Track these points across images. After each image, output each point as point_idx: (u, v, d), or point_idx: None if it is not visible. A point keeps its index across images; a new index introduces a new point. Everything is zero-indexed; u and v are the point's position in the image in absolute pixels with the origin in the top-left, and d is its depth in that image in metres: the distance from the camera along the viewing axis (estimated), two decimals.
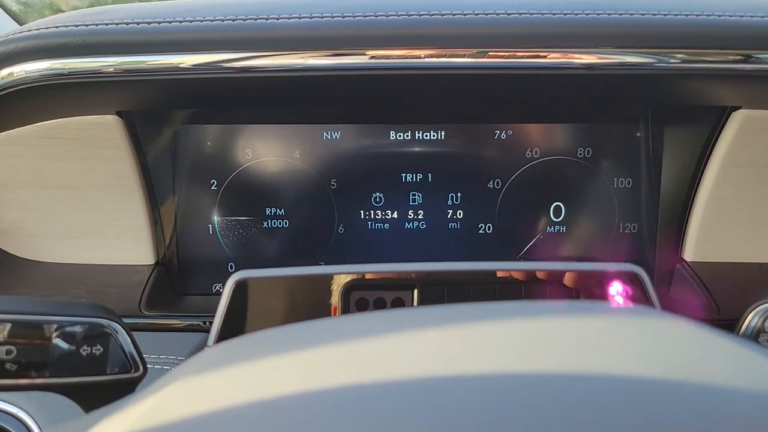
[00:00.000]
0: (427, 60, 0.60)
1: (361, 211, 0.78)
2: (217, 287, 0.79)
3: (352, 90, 0.71)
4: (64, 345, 0.43)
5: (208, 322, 0.70)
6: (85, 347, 0.44)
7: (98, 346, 0.44)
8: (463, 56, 0.61)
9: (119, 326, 0.45)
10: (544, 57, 0.61)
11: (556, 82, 0.68)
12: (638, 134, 0.77)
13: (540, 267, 0.52)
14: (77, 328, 0.44)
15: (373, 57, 0.60)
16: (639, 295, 0.45)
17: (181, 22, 0.59)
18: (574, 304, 0.38)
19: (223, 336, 0.49)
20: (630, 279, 0.45)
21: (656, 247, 0.78)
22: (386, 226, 0.78)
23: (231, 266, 0.79)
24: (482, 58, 0.61)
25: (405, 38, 0.60)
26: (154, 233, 0.76)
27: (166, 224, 0.77)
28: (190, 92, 0.70)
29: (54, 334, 0.43)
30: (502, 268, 0.49)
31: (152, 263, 0.77)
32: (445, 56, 0.60)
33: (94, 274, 0.75)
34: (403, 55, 0.60)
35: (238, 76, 0.62)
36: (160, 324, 0.71)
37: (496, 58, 0.61)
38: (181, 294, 0.79)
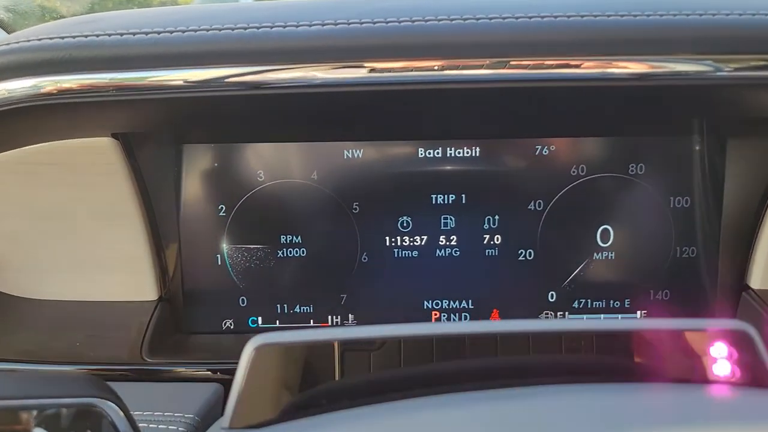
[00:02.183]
0: (438, 73, 0.52)
1: (387, 238, 0.70)
2: (228, 323, 0.72)
3: (373, 104, 0.63)
4: None
5: (218, 372, 0.62)
6: None
7: None
8: (480, 67, 0.52)
9: (113, 404, 0.37)
10: (577, 67, 0.53)
11: (603, 92, 0.60)
12: (697, 148, 0.68)
13: (618, 326, 0.44)
14: (63, 411, 0.36)
15: (373, 70, 0.52)
16: (749, 359, 0.37)
17: (183, 32, 0.51)
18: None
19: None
20: (736, 339, 0.37)
21: (717, 274, 0.70)
22: (415, 253, 0.70)
23: (242, 300, 0.71)
24: (502, 69, 0.52)
25: (408, 48, 0.52)
26: (157, 266, 0.68)
27: (169, 255, 0.69)
28: (193, 111, 0.62)
29: (33, 422, 0.35)
30: (574, 328, 0.41)
31: (155, 299, 0.69)
32: (458, 68, 0.52)
33: (90, 312, 0.68)
34: (406, 67, 0.52)
35: (247, 94, 0.54)
36: (165, 373, 0.63)
37: (519, 69, 0.52)
38: (188, 332, 0.71)
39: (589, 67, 0.53)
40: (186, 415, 0.56)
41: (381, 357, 0.51)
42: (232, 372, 0.64)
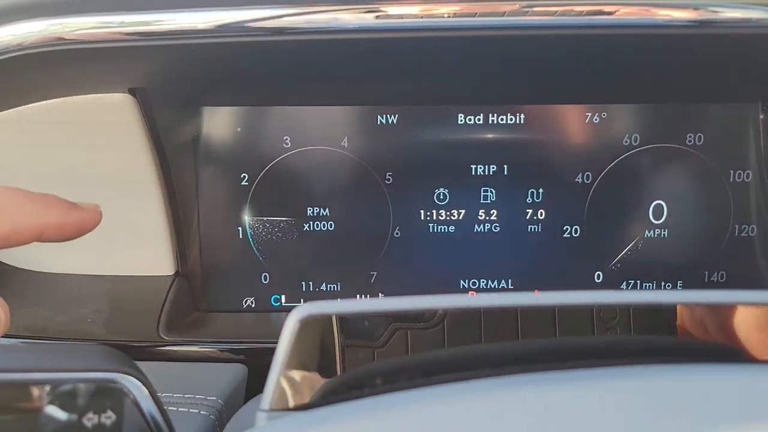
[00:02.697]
0: (450, 20, 0.48)
1: (422, 211, 0.65)
2: (249, 302, 0.66)
3: (406, 61, 0.58)
4: (61, 414, 0.30)
5: (240, 352, 0.57)
6: (90, 415, 0.31)
7: (108, 413, 0.31)
8: (501, 15, 0.48)
9: (136, 380, 0.32)
10: (611, 14, 0.48)
11: (657, 51, 0.55)
12: (761, 117, 0.63)
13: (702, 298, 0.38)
14: (79, 387, 0.31)
15: (380, 16, 0.48)
16: None
17: None
18: None
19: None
20: None
21: None
22: (451, 228, 0.65)
23: (265, 277, 0.66)
24: (524, 16, 0.48)
25: None
26: (174, 238, 0.63)
27: (187, 227, 0.64)
28: (214, 64, 0.57)
29: (46, 399, 0.30)
30: (656, 300, 0.36)
31: (171, 274, 0.63)
32: (473, 15, 0.48)
33: (103, 287, 0.63)
34: (418, 14, 0.48)
35: (271, 40, 0.49)
36: (183, 352, 0.58)
37: (543, 17, 0.48)
38: (206, 311, 0.66)
39: (626, 14, 0.48)
40: (208, 398, 0.51)
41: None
42: (254, 352, 0.60)
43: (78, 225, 0.47)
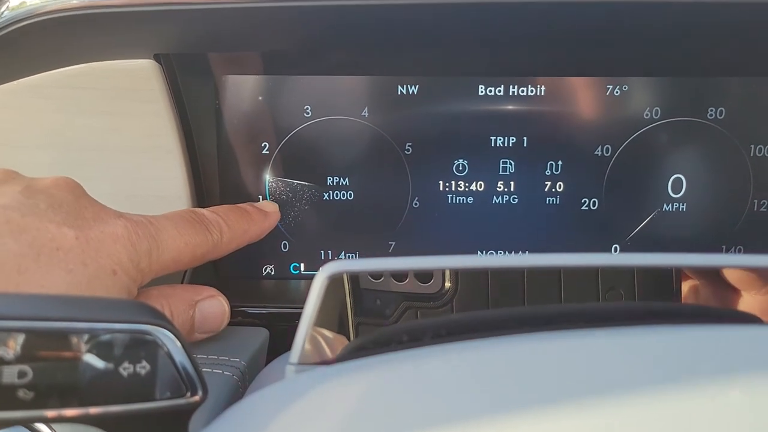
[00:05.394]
0: None
1: (441, 182, 0.65)
2: (268, 269, 0.67)
3: (427, 32, 0.58)
4: (98, 363, 0.31)
5: (261, 317, 0.58)
6: (126, 364, 0.32)
7: (143, 363, 0.32)
8: None
9: (170, 333, 0.33)
10: None
11: (682, 25, 0.55)
12: None
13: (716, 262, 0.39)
14: (117, 338, 0.32)
15: None
16: None
17: None
18: None
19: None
20: None
21: None
22: (470, 199, 0.66)
23: (284, 245, 0.67)
24: None
25: None
26: (195, 206, 0.64)
27: (209, 195, 0.65)
28: (237, 31, 0.57)
29: (85, 348, 0.31)
30: (690, 263, 0.36)
31: None
32: None
33: None
34: None
35: (290, 6, 0.50)
36: None
37: None
38: (226, 277, 0.67)
39: None
40: (231, 359, 0.52)
41: None
42: (274, 317, 0.61)
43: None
